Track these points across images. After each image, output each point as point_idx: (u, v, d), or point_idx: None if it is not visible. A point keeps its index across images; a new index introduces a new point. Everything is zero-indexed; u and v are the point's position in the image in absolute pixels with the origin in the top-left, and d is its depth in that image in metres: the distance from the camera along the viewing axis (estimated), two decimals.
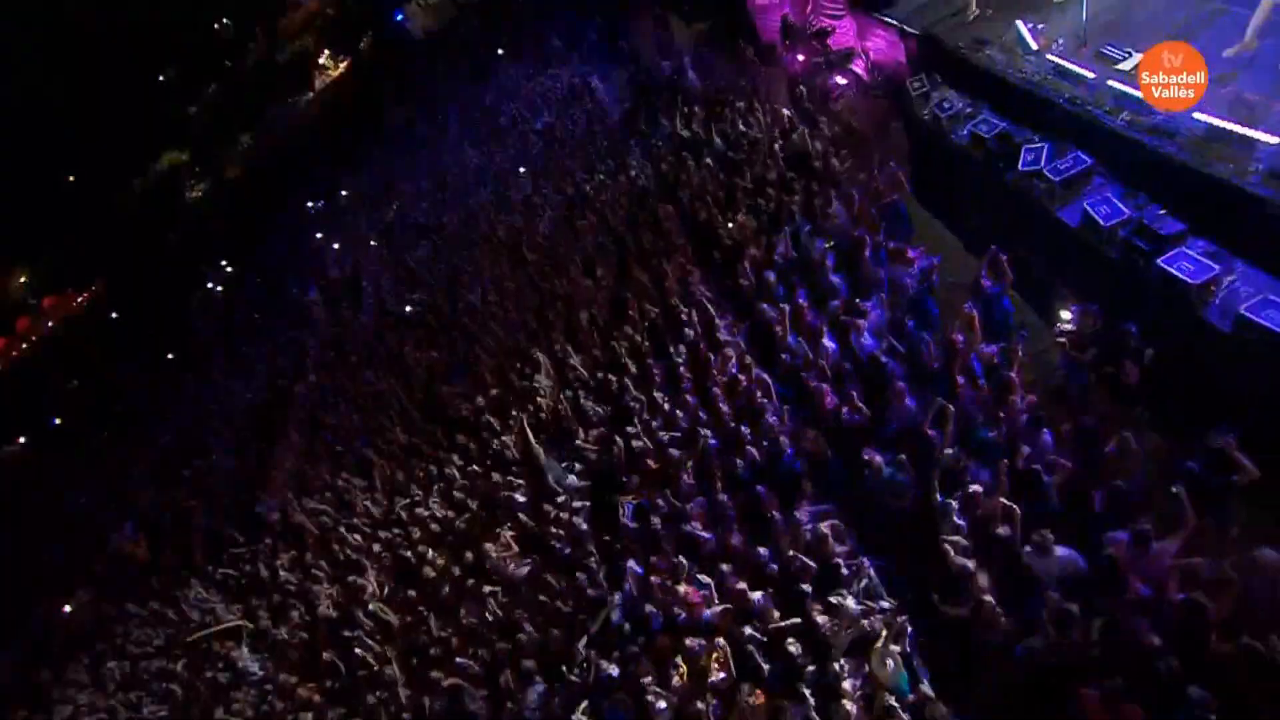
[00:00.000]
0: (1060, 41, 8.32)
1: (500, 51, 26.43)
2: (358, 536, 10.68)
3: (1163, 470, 5.88)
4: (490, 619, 8.08)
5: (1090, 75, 7.67)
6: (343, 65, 49.12)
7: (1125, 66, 7.53)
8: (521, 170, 16.93)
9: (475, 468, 10.30)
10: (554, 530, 8.43)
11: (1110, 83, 7.39)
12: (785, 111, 11.67)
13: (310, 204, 28.36)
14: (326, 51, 49.37)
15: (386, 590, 9.69)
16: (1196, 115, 6.52)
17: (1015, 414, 6.26)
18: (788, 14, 13.64)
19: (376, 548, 10.38)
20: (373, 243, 20.62)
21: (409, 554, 9.67)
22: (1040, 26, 8.64)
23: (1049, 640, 4.81)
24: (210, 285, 29.85)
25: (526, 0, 29.81)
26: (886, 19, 10.93)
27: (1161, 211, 6.35)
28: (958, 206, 9.32)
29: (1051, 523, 5.45)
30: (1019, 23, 8.78)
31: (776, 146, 11.05)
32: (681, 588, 6.56)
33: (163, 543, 14.13)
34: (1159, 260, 5.84)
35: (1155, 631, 4.53)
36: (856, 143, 11.43)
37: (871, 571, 6.13)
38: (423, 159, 23.68)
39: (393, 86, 33.89)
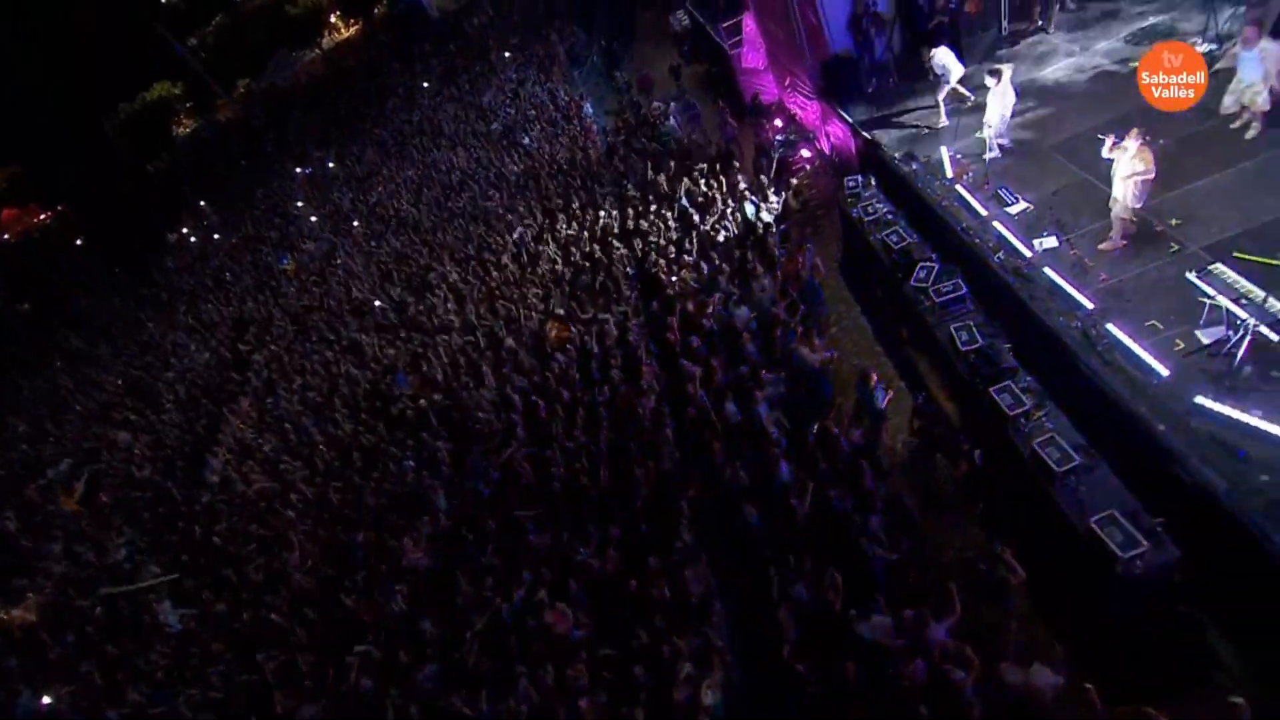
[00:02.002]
0: (971, 175, 9.55)
1: (507, 54, 27.09)
2: (291, 513, 11.41)
3: (962, 563, 7.15)
4: (396, 607, 8.96)
5: (984, 212, 8.89)
6: (353, 29, 49.23)
7: (1013, 210, 8.79)
8: (501, 186, 17.69)
9: (410, 464, 11.14)
10: (467, 533, 9.35)
11: (995, 223, 8.63)
12: (743, 180, 12.73)
13: (299, 169, 28.67)
14: (338, 11, 49.43)
15: (310, 564, 10.49)
16: (1047, 269, 7.80)
17: (864, 493, 7.41)
18: (759, 92, 14.72)
19: (308, 525, 11.16)
20: (355, 224, 21.18)
21: (336, 535, 10.50)
22: (960, 156, 9.87)
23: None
24: (185, 230, 29.95)
25: (545, 2, 30.65)
26: (844, 114, 12.08)
27: (1007, 346, 7.55)
28: (870, 295, 10.49)
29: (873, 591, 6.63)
30: (944, 148, 10.01)
31: (730, 211, 12.14)
32: (552, 610, 7.53)
33: (97, 486, 14.58)
34: (991, 389, 7.02)
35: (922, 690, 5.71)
36: (803, 217, 12.62)
37: (719, 611, 7.21)
38: (413, 147, 24.27)
39: (399, 64, 34.28)
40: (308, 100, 38.24)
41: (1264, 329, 5.84)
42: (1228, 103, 8.02)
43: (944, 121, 10.73)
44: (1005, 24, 11.55)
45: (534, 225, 15.16)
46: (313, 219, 23.22)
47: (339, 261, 19.10)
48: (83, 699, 9.21)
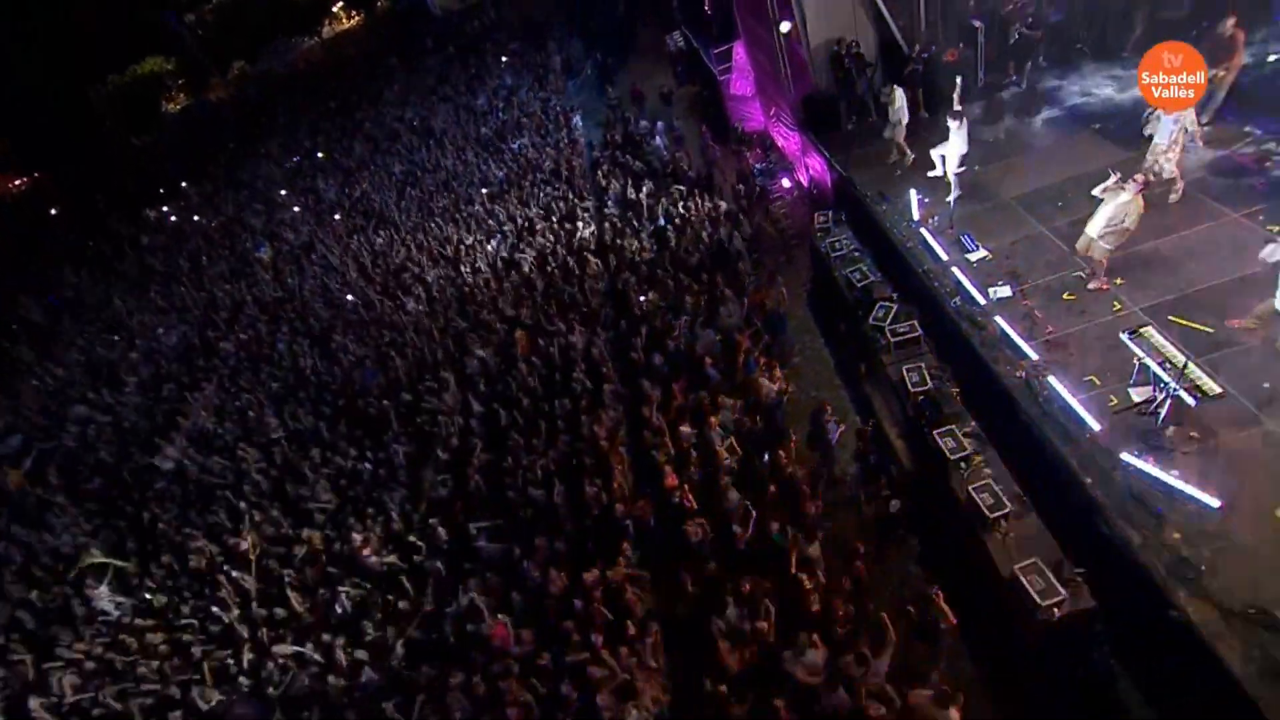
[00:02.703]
0: (936, 219, 9.83)
1: (504, 59, 27.22)
2: (243, 503, 11.30)
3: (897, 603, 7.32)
4: (340, 609, 8.92)
5: (945, 257, 9.16)
6: (355, 20, 49.18)
7: (972, 258, 9.06)
8: (484, 190, 17.75)
9: (366, 464, 11.11)
10: (416, 538, 9.35)
11: (954, 268, 8.88)
12: (721, 204, 12.95)
13: (287, 156, 28.45)
14: (341, 2, 49.38)
15: (257, 555, 10.38)
16: (999, 318, 8.05)
17: (805, 523, 7.56)
18: (744, 119, 14.99)
19: (258, 516, 11.06)
20: (337, 216, 21.07)
21: (286, 530, 10.42)
22: (927, 200, 10.15)
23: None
24: (165, 209, 29.52)
25: (546, 10, 30.90)
26: (822, 148, 12.36)
27: (955, 390, 7.77)
28: (834, 329, 10.70)
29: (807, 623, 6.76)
30: (912, 191, 10.29)
31: (704, 234, 12.33)
32: (493, 621, 7.57)
33: (46, 464, 14.28)
34: (935, 431, 7.22)
35: None
36: (778, 246, 12.85)
37: (656, 631, 7.29)
38: (403, 144, 24.26)
39: (397, 59, 34.28)
40: (303, 88, 38.05)
41: (1183, 393, 6.08)
42: (1147, 163, 8.46)
43: (935, 171, 10.66)
44: (981, 74, 11.91)
45: (513, 232, 15.25)
46: (295, 209, 23.06)
47: (317, 253, 18.99)
48: (8, 686, 9.00)
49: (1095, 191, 7.69)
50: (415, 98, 28.58)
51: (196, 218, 26.12)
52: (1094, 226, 7.73)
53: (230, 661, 8.63)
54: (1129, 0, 10.75)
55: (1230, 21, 8.30)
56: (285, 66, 45.47)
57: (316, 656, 8.39)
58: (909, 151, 11.10)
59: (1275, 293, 6.47)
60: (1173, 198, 8.42)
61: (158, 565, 10.43)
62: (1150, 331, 6.57)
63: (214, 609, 9.45)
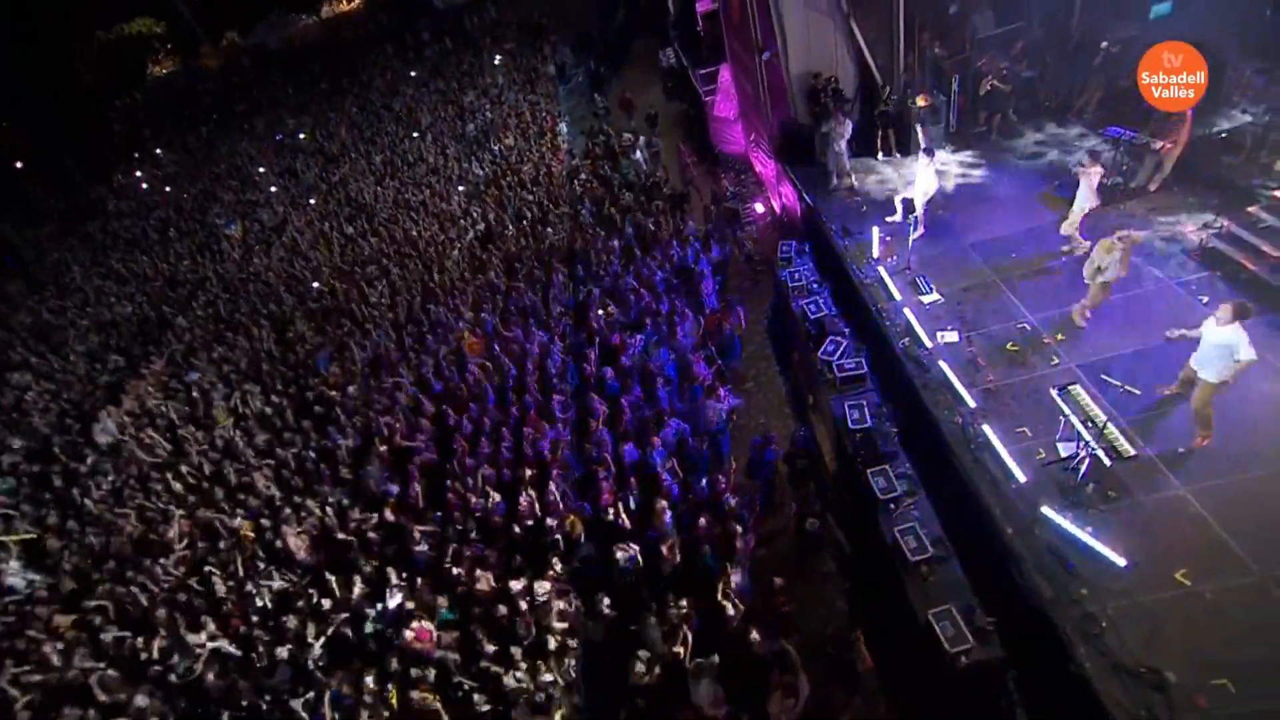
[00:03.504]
0: (895, 258, 9.98)
1: (498, 59, 27.16)
2: (179, 486, 11.03)
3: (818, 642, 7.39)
4: (262, 601, 8.73)
5: (898, 296, 9.30)
6: (355, 2, 48.69)
7: (925, 300, 9.22)
8: (461, 188, 17.67)
9: (311, 453, 10.93)
10: (348, 536, 9.20)
11: (906, 309, 9.03)
12: (691, 223, 13.03)
13: (269, 134, 28.04)
14: None
15: (185, 543, 10.13)
16: (942, 362, 8.19)
17: (734, 551, 7.59)
18: (725, 141, 15.13)
19: (193, 500, 10.80)
20: (312, 200, 20.81)
21: (220, 517, 10.18)
22: (889, 238, 10.31)
23: None
24: (138, 174, 28.90)
25: (546, 14, 30.91)
26: (795, 178, 12.50)
27: (894, 430, 7.88)
28: (788, 357, 10.80)
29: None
30: (876, 228, 10.43)
31: (672, 253, 12.39)
32: (416, 625, 7.46)
33: None
34: (868, 470, 7.31)
35: None
36: (744, 270, 12.95)
37: (576, 650, 7.25)
38: (387, 133, 24.07)
39: (392, 47, 34.01)
40: (294, 66, 37.55)
41: (1100, 452, 6.23)
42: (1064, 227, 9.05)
43: (894, 216, 10.77)
44: (953, 121, 12.17)
45: (484, 232, 15.18)
46: (272, 189, 22.73)
47: (287, 235, 18.73)
48: None
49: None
50: (405, 88, 28.38)
51: (169, 187, 25.59)
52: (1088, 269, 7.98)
53: (140, 647, 8.36)
54: (1089, 69, 11.08)
55: None
56: (279, 42, 44.78)
57: (231, 649, 8.19)
58: (851, 178, 11.50)
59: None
60: (1078, 251, 8.98)
61: (79, 543, 10.12)
62: (1078, 389, 6.72)
63: (132, 591, 9.17)
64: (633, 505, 8.27)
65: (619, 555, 7.63)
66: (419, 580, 8.33)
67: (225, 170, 25.71)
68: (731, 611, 6.93)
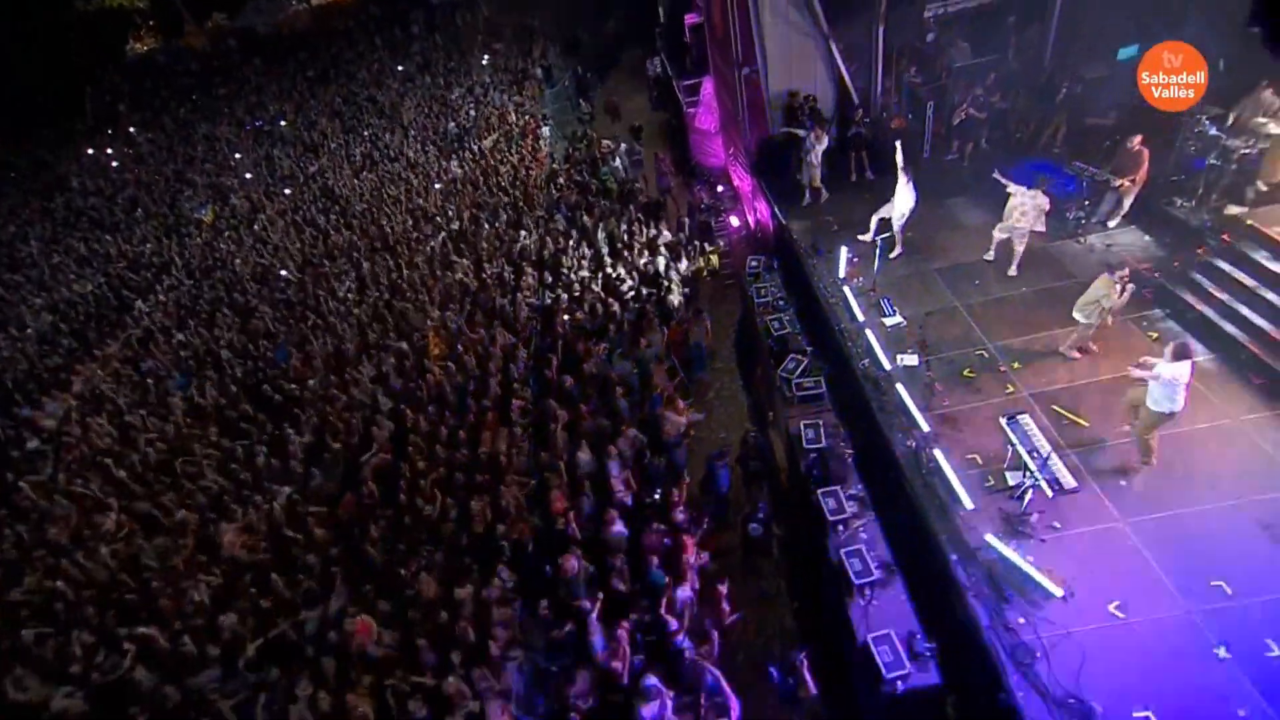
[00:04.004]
0: (860, 279, 10.05)
1: (486, 58, 27.04)
2: (123, 473, 10.71)
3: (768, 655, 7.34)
4: (198, 597, 8.47)
5: (861, 318, 9.35)
6: None
7: (888, 322, 9.28)
8: (438, 186, 17.51)
9: (261, 447, 10.67)
10: (293, 533, 8.98)
11: (868, 330, 9.08)
12: (665, 234, 13.01)
13: (250, 119, 27.59)
14: None
15: (123, 534, 9.82)
16: (900, 386, 8.23)
17: (683, 566, 7.53)
18: (705, 153, 15.17)
19: (136, 488, 10.49)
20: (286, 191, 20.48)
21: (161, 508, 9.89)
22: (855, 259, 10.38)
23: None
24: (109, 151, 28.22)
25: (537, 16, 30.87)
26: (769, 194, 12.56)
27: (848, 452, 7.90)
28: (752, 372, 10.81)
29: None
30: (844, 248, 10.49)
31: (643, 262, 12.35)
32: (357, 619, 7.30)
33: None
34: (819, 491, 7.31)
35: None
36: (715, 284, 12.96)
37: (519, 659, 7.12)
38: (369, 126, 23.81)
39: (381, 39, 33.73)
40: (281, 52, 37.03)
41: (1043, 483, 6.30)
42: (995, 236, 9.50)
43: (866, 235, 10.70)
44: (927, 147, 12.32)
45: (458, 232, 15.04)
46: (248, 175, 22.35)
47: (259, 224, 18.39)
48: None
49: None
50: (391, 81, 28.13)
51: (140, 166, 25.03)
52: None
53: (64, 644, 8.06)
54: (1057, 105, 11.30)
55: (1137, 139, 8.79)
56: (267, 26, 44.17)
57: (163, 644, 7.93)
58: (823, 190, 11.64)
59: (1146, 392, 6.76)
60: (1011, 271, 9.46)
61: (10, 530, 9.76)
62: (1027, 419, 6.79)
63: (59, 585, 8.86)
64: (585, 515, 8.17)
65: (565, 568, 7.51)
66: (364, 582, 8.17)
67: (201, 154, 25.23)
68: (674, 626, 6.84)
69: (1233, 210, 8.25)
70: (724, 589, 7.24)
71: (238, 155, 23.85)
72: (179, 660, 7.80)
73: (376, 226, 16.50)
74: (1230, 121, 8.43)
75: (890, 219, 10.12)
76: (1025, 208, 9.05)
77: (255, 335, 13.52)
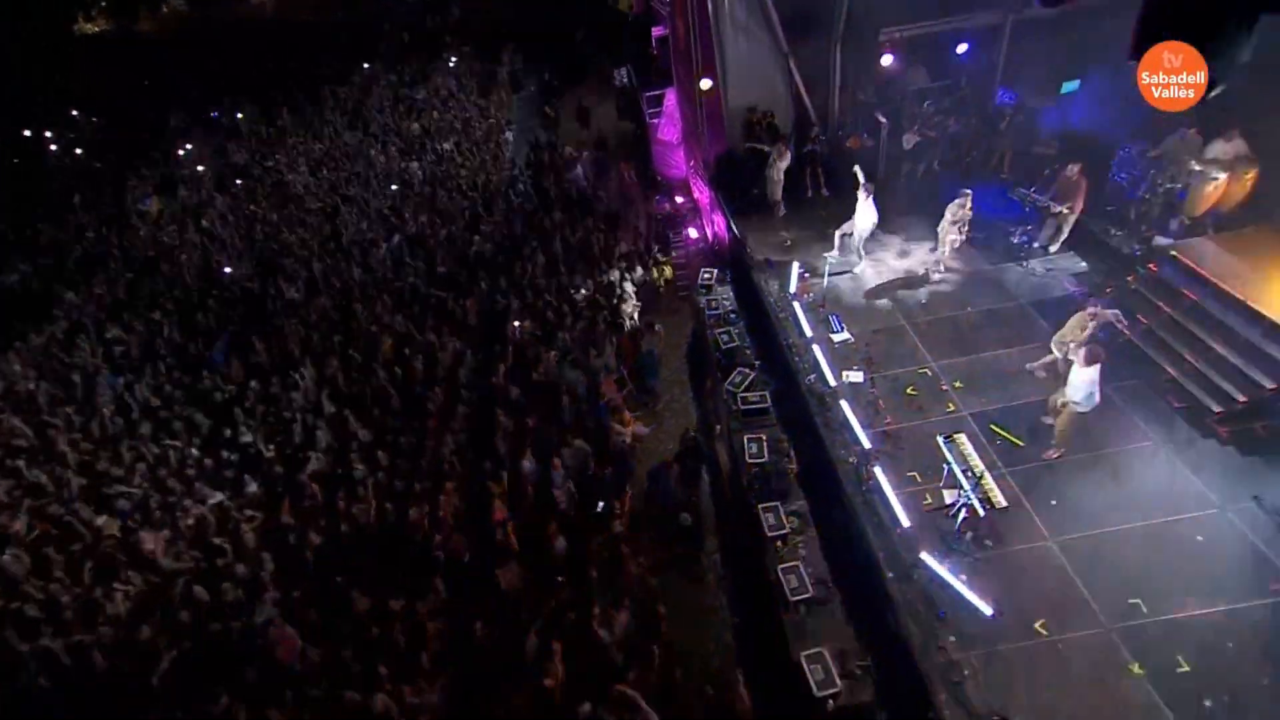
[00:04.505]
0: (811, 295, 10.14)
1: (454, 60, 26.71)
2: (39, 474, 10.14)
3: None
4: (113, 606, 8.05)
5: (810, 333, 9.42)
6: None
7: (836, 338, 9.37)
8: (394, 187, 17.18)
9: (193, 451, 10.24)
10: (220, 540, 8.61)
11: (815, 346, 9.15)
12: (622, 244, 12.97)
13: (204, 109, 26.62)
14: None
15: (35, 535, 9.28)
16: (844, 402, 8.30)
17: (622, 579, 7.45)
18: (666, 165, 15.22)
19: (53, 492, 9.93)
20: (238, 181, 19.85)
21: (76, 513, 9.37)
22: (807, 274, 10.47)
23: None
24: (47, 133, 26.88)
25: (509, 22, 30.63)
26: (725, 207, 12.61)
27: (792, 467, 7.92)
28: (701, 384, 10.80)
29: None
30: (795, 263, 10.58)
31: (598, 271, 12.28)
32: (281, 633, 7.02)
33: None
34: (760, 505, 7.30)
35: None
36: (670, 295, 12.96)
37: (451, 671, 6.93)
38: (330, 123, 23.27)
39: (347, 36, 33.04)
40: (241, 43, 35.99)
41: (975, 502, 6.40)
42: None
43: (833, 253, 10.79)
44: (881, 166, 12.54)
45: (413, 234, 14.76)
46: (199, 168, 21.58)
47: (208, 218, 17.75)
48: None
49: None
50: (355, 78, 27.56)
51: (79, 150, 23.97)
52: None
53: None
54: (1003, 131, 11.65)
55: (1075, 168, 9.10)
56: (228, 15, 42.99)
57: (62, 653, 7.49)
58: (781, 206, 11.73)
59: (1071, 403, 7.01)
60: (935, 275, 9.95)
61: None
62: (962, 438, 6.90)
63: None
64: (525, 525, 8.02)
65: (503, 581, 7.37)
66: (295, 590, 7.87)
67: (149, 142, 24.29)
68: (607, 640, 6.74)
69: (1160, 241, 8.59)
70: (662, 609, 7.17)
71: (189, 145, 23.03)
72: (87, 675, 7.39)
73: (331, 225, 16.07)
74: (1158, 157, 8.80)
75: (852, 235, 10.29)
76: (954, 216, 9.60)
77: (195, 333, 13.01)
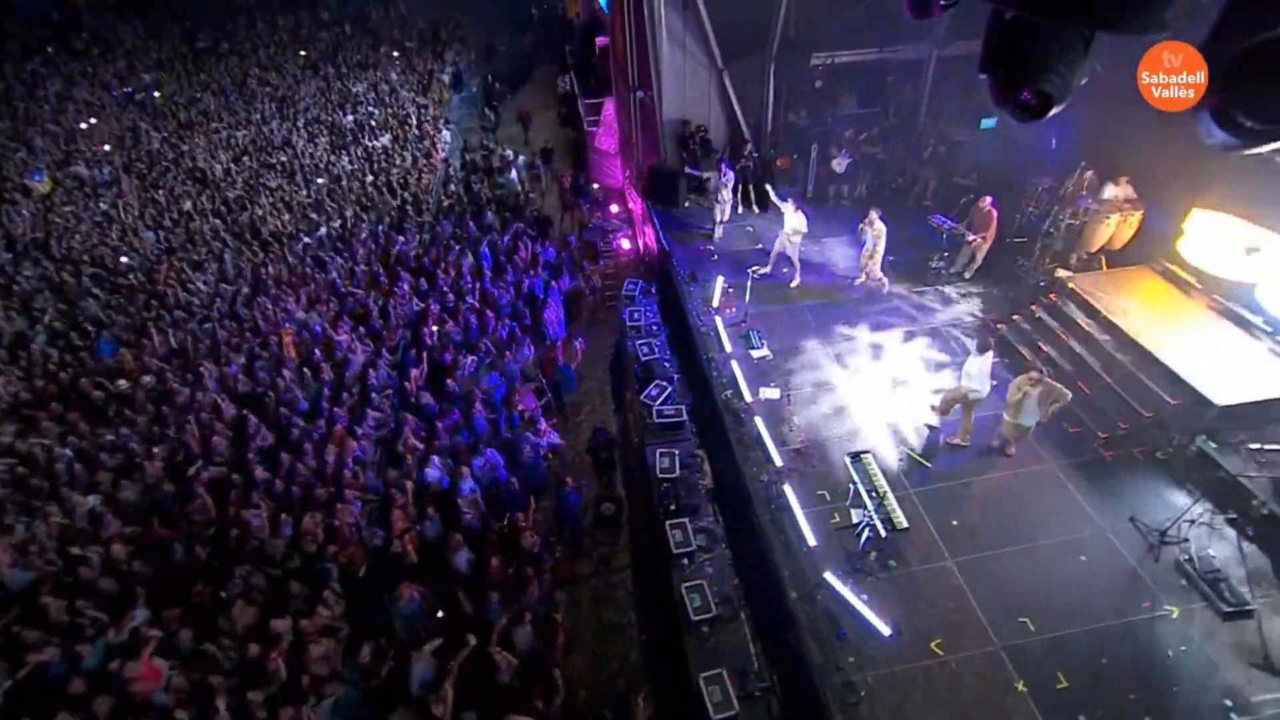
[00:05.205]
0: (733, 310, 10.16)
1: (396, 53, 25.95)
2: None
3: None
4: None
5: (729, 348, 9.41)
6: None
7: (755, 354, 9.39)
8: (320, 181, 16.45)
9: (66, 451, 9.36)
10: (83, 551, 7.86)
11: (734, 361, 9.13)
12: (550, 250, 12.73)
13: (117, 84, 24.90)
14: None
15: None
16: (758, 419, 8.29)
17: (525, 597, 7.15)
18: (602, 174, 15.10)
19: None
20: (148, 165, 18.58)
21: None
22: (731, 290, 10.50)
23: None
24: None
25: (455, 21, 29.99)
26: (656, 218, 12.57)
27: (704, 483, 7.82)
28: (621, 395, 10.64)
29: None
30: (720, 277, 10.59)
31: (523, 278, 11.98)
32: (143, 663, 6.40)
33: None
34: (668, 521, 7.15)
35: None
36: (597, 305, 12.78)
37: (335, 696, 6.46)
38: (256, 109, 22.17)
39: (284, 20, 31.65)
40: (168, 16, 33.94)
41: (877, 522, 6.45)
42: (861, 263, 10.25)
43: (762, 268, 10.92)
44: (810, 187, 12.79)
45: (337, 230, 14.12)
46: (105, 146, 20.11)
47: (108, 200, 16.51)
48: None
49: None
50: (290, 65, 26.39)
51: None
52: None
53: None
54: (926, 161, 12.08)
55: (988, 200, 9.50)
56: None
57: None
58: (719, 229, 11.74)
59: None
60: (885, 290, 10.25)
61: None
62: (869, 458, 6.96)
63: None
64: (430, 537, 7.63)
65: (401, 596, 6.95)
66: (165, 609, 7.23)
67: (47, 113, 22.52)
68: (504, 666, 6.43)
69: (1060, 273, 9.00)
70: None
71: (93, 120, 21.46)
72: None
73: (249, 216, 15.20)
74: (1062, 195, 9.25)
75: (784, 253, 10.40)
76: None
77: (80, 323, 11.99)
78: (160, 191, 17.12)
